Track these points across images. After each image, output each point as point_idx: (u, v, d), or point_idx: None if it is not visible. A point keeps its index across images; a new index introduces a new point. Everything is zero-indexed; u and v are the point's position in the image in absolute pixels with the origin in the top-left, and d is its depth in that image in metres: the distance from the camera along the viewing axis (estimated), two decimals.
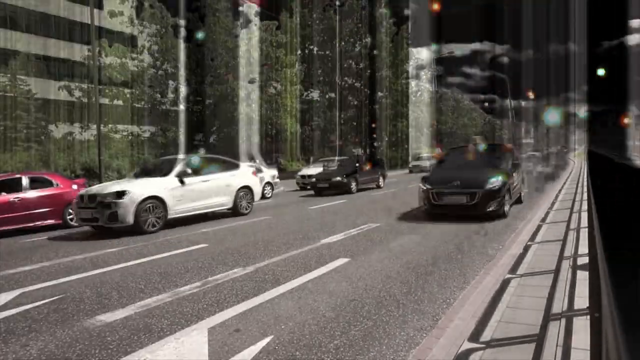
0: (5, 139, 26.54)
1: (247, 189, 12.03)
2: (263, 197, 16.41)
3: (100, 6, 28.93)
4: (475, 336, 3.52)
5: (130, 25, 27.35)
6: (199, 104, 30.87)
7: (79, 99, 27.48)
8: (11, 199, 10.00)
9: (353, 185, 17.17)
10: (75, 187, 11.19)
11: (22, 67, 29.36)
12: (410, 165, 37.21)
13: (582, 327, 3.34)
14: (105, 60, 25.71)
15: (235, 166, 12.27)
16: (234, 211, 11.68)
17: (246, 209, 11.96)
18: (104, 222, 9.08)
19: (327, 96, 38.70)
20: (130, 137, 27.28)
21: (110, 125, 26.45)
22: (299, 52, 36.82)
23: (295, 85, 34.49)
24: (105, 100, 26.10)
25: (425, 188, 9.67)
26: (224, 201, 11.36)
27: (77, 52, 33.21)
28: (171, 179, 10.03)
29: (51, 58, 35.25)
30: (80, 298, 5.00)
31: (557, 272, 5.10)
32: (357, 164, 18.39)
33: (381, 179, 19.96)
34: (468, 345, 3.36)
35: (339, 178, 16.99)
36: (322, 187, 17.13)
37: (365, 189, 18.52)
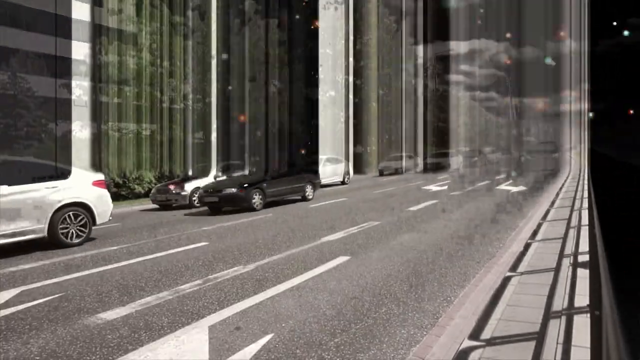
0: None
1: None
2: None
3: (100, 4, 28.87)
4: (475, 334, 3.52)
5: (130, 23, 27.29)
6: (200, 102, 30.83)
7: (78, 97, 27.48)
8: None
9: (256, 199, 12.72)
10: None
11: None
12: (379, 167, 31.41)
13: (582, 325, 3.34)
14: (106, 58, 25.66)
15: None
16: None
17: None
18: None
19: (327, 94, 38.67)
20: (130, 135, 27.24)
21: (110, 123, 26.41)
22: (299, 50, 36.75)
23: (294, 83, 34.43)
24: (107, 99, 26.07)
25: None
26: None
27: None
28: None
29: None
30: (81, 296, 5.01)
31: (557, 270, 5.10)
32: (266, 172, 14.70)
33: (309, 189, 15.06)
34: (468, 343, 3.37)
35: (233, 190, 12.60)
36: (210, 202, 12.87)
37: (283, 203, 14.21)
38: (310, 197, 15.07)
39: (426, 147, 42.92)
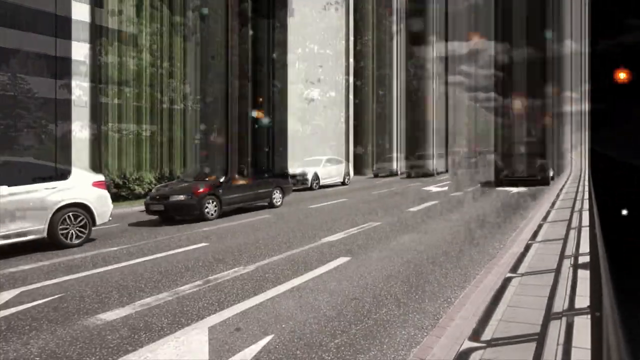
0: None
1: None
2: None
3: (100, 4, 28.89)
4: (476, 335, 3.52)
5: (131, 24, 27.30)
6: (199, 103, 30.79)
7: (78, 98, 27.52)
8: None
9: (210, 208, 11.26)
10: None
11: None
12: (374, 168, 30.41)
13: (582, 326, 3.34)
14: (106, 58, 25.68)
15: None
16: None
17: None
18: None
19: (327, 95, 38.70)
20: (130, 136, 27.24)
21: (110, 124, 26.40)
22: (299, 50, 36.81)
23: (294, 84, 34.46)
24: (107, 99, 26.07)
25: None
26: None
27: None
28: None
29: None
30: (81, 297, 5.00)
31: (558, 271, 5.10)
32: (226, 176, 12.38)
33: (277, 194, 13.73)
34: (469, 344, 3.36)
35: (181, 197, 11.04)
36: (157, 211, 11.25)
37: (246, 211, 12.67)
38: (279, 203, 13.67)
39: (399, 148, 38.27)
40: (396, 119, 42.84)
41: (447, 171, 28.77)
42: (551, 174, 18.44)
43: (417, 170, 26.50)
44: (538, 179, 17.05)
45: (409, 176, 26.30)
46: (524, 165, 17.45)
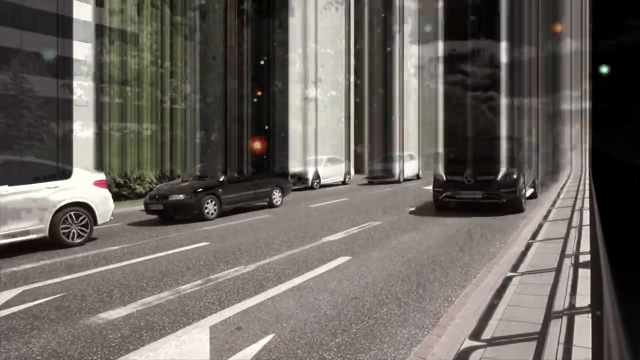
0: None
1: None
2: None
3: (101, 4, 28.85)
4: (476, 334, 3.52)
5: (132, 24, 27.27)
6: (200, 103, 30.74)
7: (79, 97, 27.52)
8: None
9: (209, 207, 11.16)
10: None
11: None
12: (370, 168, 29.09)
13: (583, 325, 3.34)
14: (107, 58, 25.67)
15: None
16: None
17: None
18: None
19: (328, 94, 38.73)
20: (132, 135, 27.20)
21: (112, 123, 26.38)
22: (299, 50, 36.82)
23: (296, 83, 34.48)
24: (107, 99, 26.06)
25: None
26: None
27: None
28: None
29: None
30: (82, 296, 5.01)
31: (558, 270, 5.10)
32: (224, 175, 12.17)
33: (277, 194, 13.56)
34: (469, 343, 3.36)
35: (180, 196, 10.93)
36: (156, 210, 11.15)
37: (245, 210, 12.58)
38: (278, 203, 13.53)
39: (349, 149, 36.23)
40: (384, 118, 42.31)
41: (418, 177, 24.23)
42: (529, 192, 11.77)
43: (378, 177, 22.44)
44: (502, 202, 10.17)
45: (370, 182, 22.46)
46: (478, 178, 10.36)
